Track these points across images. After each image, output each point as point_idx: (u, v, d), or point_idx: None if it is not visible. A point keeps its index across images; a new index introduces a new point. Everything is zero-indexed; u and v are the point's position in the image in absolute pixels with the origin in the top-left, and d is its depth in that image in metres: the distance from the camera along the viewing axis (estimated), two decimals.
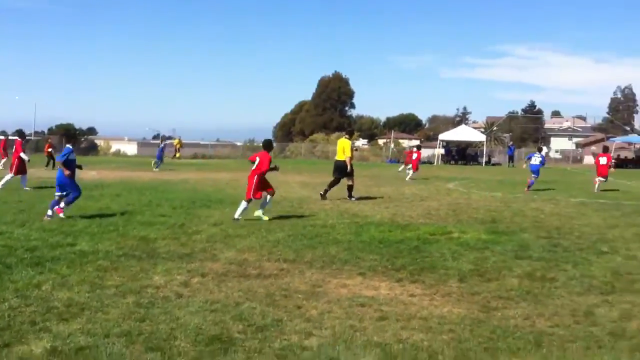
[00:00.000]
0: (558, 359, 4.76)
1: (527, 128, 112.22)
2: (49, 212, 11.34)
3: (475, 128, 77.98)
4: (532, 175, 21.06)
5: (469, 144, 59.57)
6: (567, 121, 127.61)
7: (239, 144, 76.52)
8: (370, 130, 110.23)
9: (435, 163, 53.09)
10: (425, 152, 45.20)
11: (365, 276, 7.36)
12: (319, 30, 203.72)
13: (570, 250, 9.12)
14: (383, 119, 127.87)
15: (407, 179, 26.25)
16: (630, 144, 68.20)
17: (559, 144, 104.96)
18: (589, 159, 76.15)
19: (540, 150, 23.46)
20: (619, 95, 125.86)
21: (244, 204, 11.96)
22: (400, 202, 16.33)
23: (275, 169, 12.46)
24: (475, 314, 5.86)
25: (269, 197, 12.22)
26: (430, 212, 13.98)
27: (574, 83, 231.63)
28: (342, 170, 16.64)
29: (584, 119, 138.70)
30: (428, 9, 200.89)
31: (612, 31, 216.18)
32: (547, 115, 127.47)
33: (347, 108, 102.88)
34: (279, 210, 13.21)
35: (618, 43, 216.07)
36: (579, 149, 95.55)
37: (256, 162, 12.18)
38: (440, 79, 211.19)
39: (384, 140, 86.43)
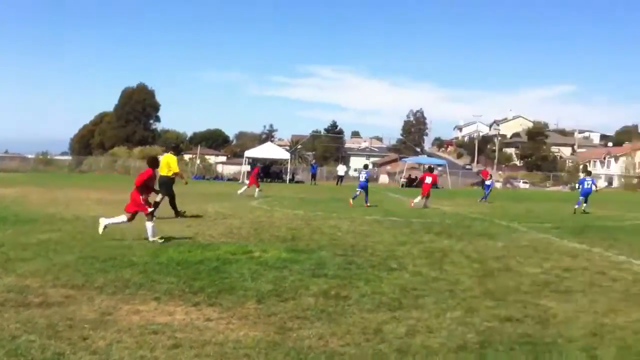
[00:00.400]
0: None
1: (329, 147, 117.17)
2: None
3: (280, 146, 79.71)
4: (581, 198, 24.29)
5: (274, 162, 60.74)
6: (365, 141, 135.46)
7: (30, 156, 70.93)
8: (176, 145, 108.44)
9: (241, 180, 53.32)
10: (232, 169, 45.25)
11: (160, 301, 7.03)
12: (124, 38, 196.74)
13: (363, 268, 9.52)
14: (189, 133, 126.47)
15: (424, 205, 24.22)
16: (420, 164, 73.82)
17: (358, 163, 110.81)
18: (384, 178, 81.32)
19: (589, 174, 27.12)
20: (412, 118, 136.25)
21: (148, 224, 11.43)
22: (202, 220, 16.09)
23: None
24: (271, 336, 5.83)
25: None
26: (232, 230, 13.91)
27: (371, 105, 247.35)
28: (165, 186, 16.58)
29: (380, 139, 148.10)
30: (238, 26, 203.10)
31: (407, 56, 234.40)
32: (347, 135, 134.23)
33: (151, 121, 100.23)
34: (69, 231, 12.34)
35: (413, 68, 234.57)
36: (375, 168, 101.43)
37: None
38: (249, 96, 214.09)
39: (190, 156, 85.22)
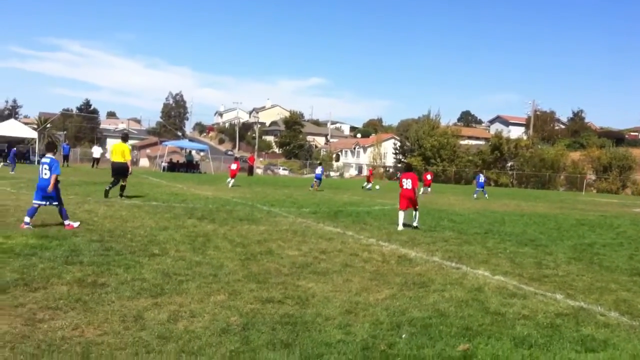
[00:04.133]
0: None
1: (82, 127, 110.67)
2: None
3: (26, 123, 73.13)
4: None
5: (19, 141, 55.55)
6: (122, 123, 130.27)
7: None
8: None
9: None
10: None
11: None
12: None
13: (122, 254, 9.07)
14: None
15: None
16: (181, 148, 72.92)
17: None
18: (144, 161, 78.94)
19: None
20: (171, 102, 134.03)
21: None
22: None
23: None
24: (18, 328, 5.28)
25: None
26: None
27: (126, 85, 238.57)
28: (121, 172, 18.71)
29: (139, 121, 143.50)
30: None
31: (161, 38, 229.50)
32: (102, 115, 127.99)
33: None
34: None
35: (167, 51, 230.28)
36: (135, 151, 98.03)
37: None
38: None
39: None
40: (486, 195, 35.77)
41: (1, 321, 5.46)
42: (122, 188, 18.90)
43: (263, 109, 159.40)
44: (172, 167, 55.81)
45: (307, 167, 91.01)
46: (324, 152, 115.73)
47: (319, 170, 35.96)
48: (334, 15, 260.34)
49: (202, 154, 73.03)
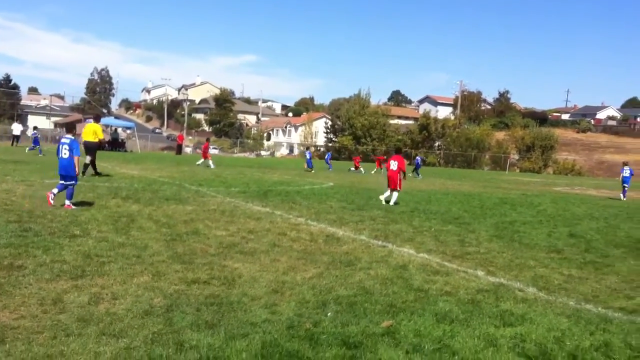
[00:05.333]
0: (23, 353, 4.40)
1: (2, 103, 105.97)
2: None
3: None
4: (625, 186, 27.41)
5: None
6: (45, 99, 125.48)
7: None
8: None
9: None
10: None
11: None
12: None
13: (41, 235, 8.74)
14: None
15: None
16: (107, 125, 70.80)
17: (37, 122, 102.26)
18: None
19: (626, 164, 28.64)
20: (96, 77, 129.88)
21: None
22: None
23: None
24: None
25: None
26: None
27: (51, 60, 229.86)
28: (93, 149, 20.08)
29: (62, 97, 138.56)
30: None
31: (90, 12, 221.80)
32: (24, 91, 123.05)
33: None
34: None
35: (97, 25, 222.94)
36: (58, 128, 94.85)
37: None
38: None
39: None
40: (420, 177, 36.54)
41: None
42: (85, 166, 19.59)
43: (193, 85, 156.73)
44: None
45: (237, 145, 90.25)
46: (255, 131, 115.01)
47: (307, 155, 39.86)
48: None
49: (128, 131, 71.26)
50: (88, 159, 19.84)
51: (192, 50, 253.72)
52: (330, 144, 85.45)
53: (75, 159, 11.89)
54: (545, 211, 18.15)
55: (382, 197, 17.25)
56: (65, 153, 11.90)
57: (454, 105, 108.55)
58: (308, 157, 39.35)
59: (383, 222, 13.01)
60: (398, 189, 17.10)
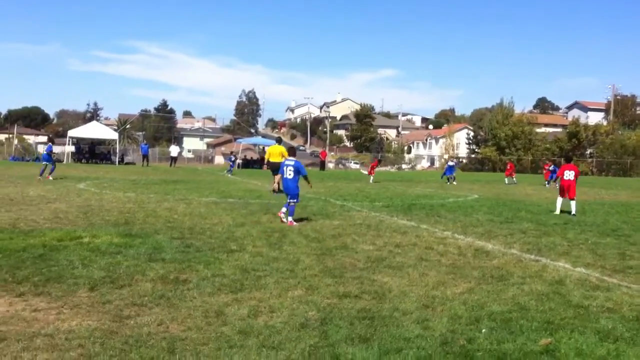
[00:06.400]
0: None
1: (160, 127, 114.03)
2: None
3: (107, 125, 76.04)
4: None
5: (100, 142, 57.78)
6: (198, 122, 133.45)
7: None
8: None
9: (65, 161, 50.14)
10: (55, 149, 42.58)
11: None
12: None
13: (202, 250, 9.32)
14: (3, 111, 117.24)
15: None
16: (255, 145, 73.95)
17: (191, 144, 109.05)
18: (219, 159, 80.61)
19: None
20: (244, 99, 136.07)
21: None
22: (24, 204, 14.88)
23: None
24: (107, 324, 5.50)
25: None
26: (58, 215, 13.00)
27: (203, 85, 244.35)
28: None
29: (213, 120, 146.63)
30: None
31: (235, 38, 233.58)
32: (179, 115, 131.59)
33: None
34: None
35: (241, 50, 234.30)
36: (210, 149, 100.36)
37: None
38: (69, 71, 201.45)
39: (6, 136, 78.76)
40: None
41: (90, 318, 5.71)
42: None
43: (334, 103, 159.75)
44: (246, 163, 56.75)
45: (379, 159, 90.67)
46: (396, 145, 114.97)
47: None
48: (404, 5, 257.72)
49: None
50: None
51: (333, 69, 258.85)
52: (472, 155, 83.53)
53: (303, 177, 13.43)
54: None
55: (558, 208, 17.53)
56: (289, 174, 13.19)
57: (606, 111, 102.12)
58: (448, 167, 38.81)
59: (534, 235, 12.51)
60: (574, 197, 17.39)
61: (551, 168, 37.65)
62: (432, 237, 11.64)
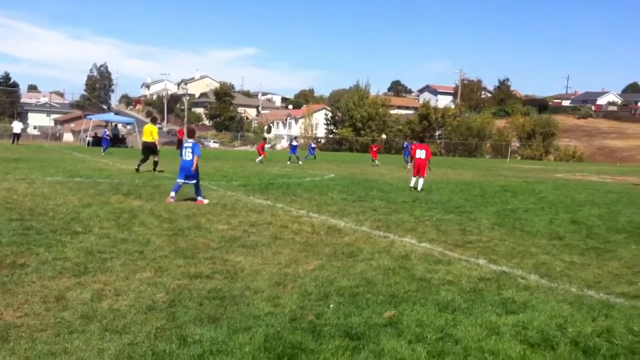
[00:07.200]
0: (27, 351, 4.41)
1: (2, 101, 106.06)
2: None
3: None
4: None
5: None
6: (44, 96, 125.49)
7: None
8: None
9: None
10: None
11: None
12: None
13: (43, 233, 8.75)
14: None
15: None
16: (107, 122, 70.66)
17: (37, 120, 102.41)
18: (68, 136, 76.40)
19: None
20: (96, 73, 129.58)
21: None
22: None
23: None
24: None
25: None
26: None
27: (49, 57, 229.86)
28: (151, 150, 21.76)
29: (61, 95, 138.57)
30: None
31: (88, 8, 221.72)
32: (23, 88, 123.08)
33: None
34: None
35: (94, 21, 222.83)
36: (58, 125, 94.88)
37: None
38: None
39: None
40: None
41: None
42: (155, 164, 21.79)
43: (192, 80, 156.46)
44: (97, 141, 54.16)
45: (238, 139, 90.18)
46: (255, 124, 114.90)
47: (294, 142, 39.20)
48: None
49: (128, 127, 71.19)
50: (154, 157, 21.80)
51: (190, 45, 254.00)
52: (330, 136, 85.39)
53: (195, 158, 13.13)
54: (547, 198, 18.15)
55: (412, 184, 18.81)
56: (188, 155, 13.18)
57: (454, 94, 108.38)
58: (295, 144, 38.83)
59: (385, 212, 13.01)
60: (425, 175, 18.92)
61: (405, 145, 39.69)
62: (287, 216, 11.74)
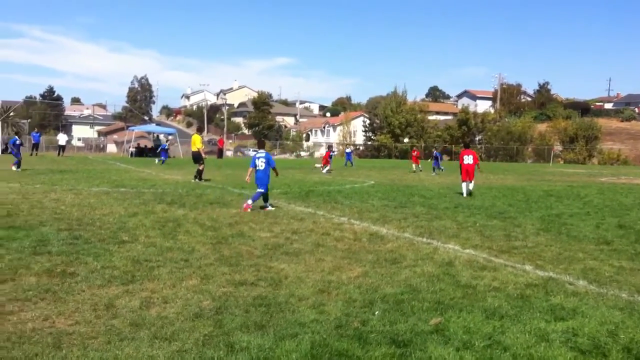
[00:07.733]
0: (79, 358, 4.51)
1: (46, 114, 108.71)
2: None
3: None
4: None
5: None
6: (87, 109, 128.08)
7: None
8: None
9: None
10: None
11: None
12: None
13: (91, 242, 8.95)
14: None
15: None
16: (149, 132, 71.91)
17: (81, 132, 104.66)
18: (111, 147, 77.87)
19: None
20: (137, 85, 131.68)
21: None
22: None
23: None
24: None
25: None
26: None
27: (91, 70, 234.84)
28: (194, 159, 22.54)
29: (104, 107, 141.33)
30: None
31: (126, 22, 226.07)
32: (67, 101, 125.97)
33: None
34: None
35: (132, 34, 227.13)
36: (102, 137, 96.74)
37: None
38: None
39: None
40: (443, 169, 36.68)
41: None
42: (199, 172, 22.11)
43: (230, 90, 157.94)
44: (140, 152, 55.11)
45: (277, 147, 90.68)
46: (294, 132, 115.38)
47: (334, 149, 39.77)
48: None
49: (170, 137, 72.21)
50: (198, 165, 22.22)
51: (227, 56, 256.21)
52: (369, 142, 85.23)
53: (272, 169, 13.94)
54: (592, 202, 17.78)
55: (464, 191, 18.74)
56: (261, 165, 13.70)
57: (493, 99, 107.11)
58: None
59: (426, 218, 12.93)
60: (473, 179, 19.09)
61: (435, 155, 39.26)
62: (328, 223, 11.76)
